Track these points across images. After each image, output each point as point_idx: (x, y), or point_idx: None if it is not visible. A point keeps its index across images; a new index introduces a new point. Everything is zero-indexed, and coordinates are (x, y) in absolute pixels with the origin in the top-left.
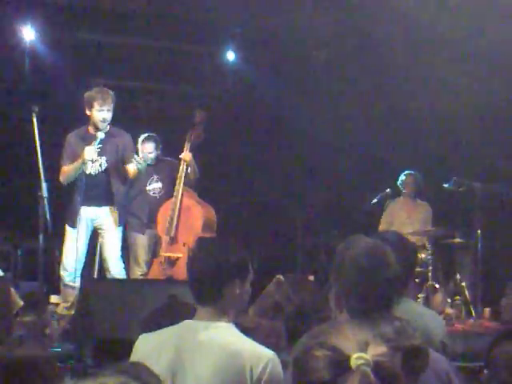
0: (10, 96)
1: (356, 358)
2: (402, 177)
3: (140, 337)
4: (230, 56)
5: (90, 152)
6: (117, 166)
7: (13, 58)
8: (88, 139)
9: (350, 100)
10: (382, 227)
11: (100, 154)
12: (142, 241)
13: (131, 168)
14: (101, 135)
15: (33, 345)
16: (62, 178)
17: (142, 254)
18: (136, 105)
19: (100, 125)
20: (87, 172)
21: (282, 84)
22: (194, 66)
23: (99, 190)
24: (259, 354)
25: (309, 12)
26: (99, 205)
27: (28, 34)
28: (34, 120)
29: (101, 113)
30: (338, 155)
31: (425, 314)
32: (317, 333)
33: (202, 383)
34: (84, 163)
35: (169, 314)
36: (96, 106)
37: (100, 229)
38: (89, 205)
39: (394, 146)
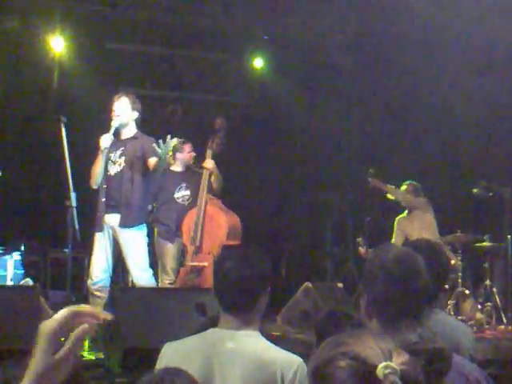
0: (38, 106)
1: (383, 367)
2: (403, 186)
3: (165, 345)
4: (257, 63)
5: (105, 139)
6: (135, 166)
7: (42, 68)
8: (114, 144)
9: (377, 107)
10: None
11: (121, 155)
12: (170, 249)
13: (152, 161)
14: (115, 124)
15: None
16: (91, 181)
17: (170, 262)
18: (163, 113)
19: (112, 124)
20: (108, 174)
21: (308, 90)
22: (221, 75)
23: (118, 194)
24: (289, 361)
25: (333, 18)
26: (118, 211)
27: (57, 44)
28: (63, 130)
29: (114, 109)
30: (365, 161)
31: (455, 326)
32: (336, 342)
33: None
34: (101, 152)
35: (197, 320)
36: (112, 105)
37: (121, 244)
38: (109, 212)
39: (422, 151)
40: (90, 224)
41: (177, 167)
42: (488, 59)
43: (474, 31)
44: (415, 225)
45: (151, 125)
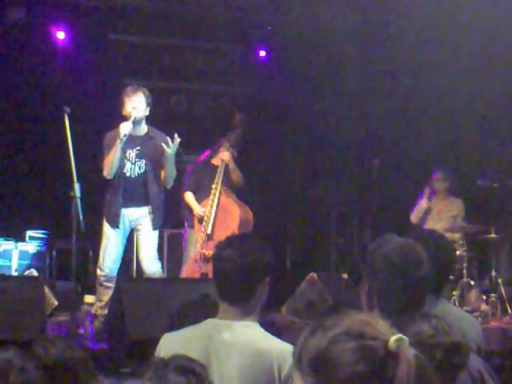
0: (42, 97)
1: (396, 340)
2: (432, 175)
3: (164, 335)
4: (261, 54)
5: (125, 126)
6: (156, 169)
7: (45, 59)
8: (128, 139)
9: (381, 97)
10: (413, 215)
11: (140, 157)
12: (193, 236)
13: (163, 173)
14: (135, 113)
15: (68, 345)
16: (105, 171)
17: (191, 251)
18: (167, 104)
19: (131, 114)
20: (127, 175)
21: (312, 82)
22: (225, 65)
23: (138, 192)
24: (286, 352)
25: (339, 9)
26: (138, 205)
27: (60, 35)
28: (66, 121)
29: (130, 103)
30: (370, 153)
31: (462, 317)
32: (326, 326)
33: (229, 383)
34: (121, 140)
35: (200, 310)
36: (126, 99)
37: (137, 230)
38: (128, 206)
39: (427, 141)
40: (95, 214)
41: (216, 162)
42: (495, 51)
43: (483, 21)
44: (434, 211)
45: (156, 116)
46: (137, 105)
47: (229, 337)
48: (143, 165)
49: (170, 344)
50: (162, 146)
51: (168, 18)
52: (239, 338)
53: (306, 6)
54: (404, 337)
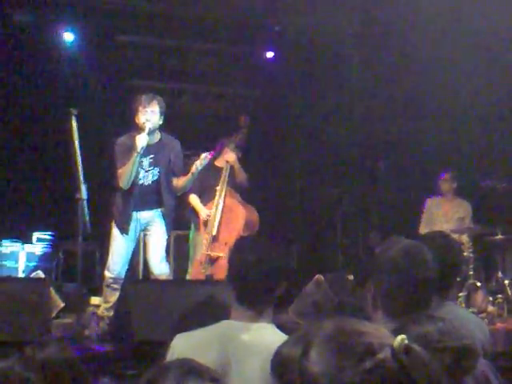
0: (48, 99)
1: (401, 339)
2: (441, 175)
3: (177, 336)
4: (269, 55)
5: (142, 139)
6: (168, 176)
7: (52, 61)
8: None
9: (386, 99)
10: (421, 226)
11: (153, 165)
12: (199, 239)
13: (179, 181)
14: (149, 125)
15: (58, 348)
16: (121, 182)
17: (197, 253)
18: (174, 106)
19: (144, 126)
20: (140, 182)
21: (318, 83)
22: (231, 67)
23: (151, 197)
24: None
25: (345, 11)
26: (150, 208)
27: (67, 36)
28: (73, 122)
29: (144, 115)
30: (375, 155)
31: (468, 319)
32: (318, 345)
33: None
34: (138, 153)
35: (208, 311)
36: (140, 108)
37: (147, 230)
38: (140, 210)
39: (433, 144)
40: (102, 216)
41: (220, 163)
42: (498, 52)
43: (484, 20)
44: (441, 213)
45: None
46: (150, 116)
47: (248, 338)
48: (156, 172)
49: (185, 345)
50: (194, 165)
51: (175, 20)
52: (258, 340)
53: (310, 8)
54: (404, 336)
